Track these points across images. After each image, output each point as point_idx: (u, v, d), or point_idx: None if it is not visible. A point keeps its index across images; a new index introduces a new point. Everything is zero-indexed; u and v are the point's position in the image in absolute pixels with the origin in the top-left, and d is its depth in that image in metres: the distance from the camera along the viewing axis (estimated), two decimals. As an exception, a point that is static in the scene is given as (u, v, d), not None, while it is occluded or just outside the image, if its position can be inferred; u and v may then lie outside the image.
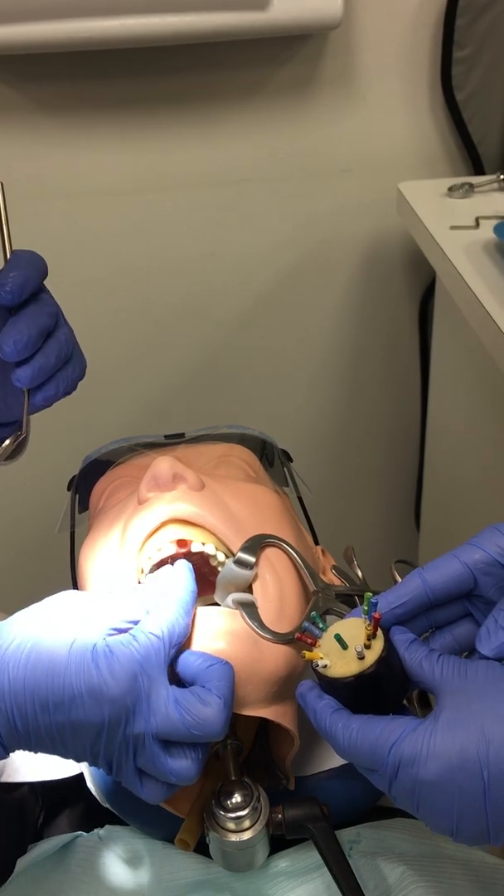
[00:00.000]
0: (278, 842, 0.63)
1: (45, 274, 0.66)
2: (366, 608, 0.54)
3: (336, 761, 0.73)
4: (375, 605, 0.54)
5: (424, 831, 0.69)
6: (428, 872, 0.62)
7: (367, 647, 0.53)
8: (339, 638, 0.54)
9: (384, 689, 0.54)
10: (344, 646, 0.54)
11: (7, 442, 0.69)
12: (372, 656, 0.53)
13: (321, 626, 0.56)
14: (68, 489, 0.87)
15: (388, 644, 0.54)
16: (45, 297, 0.66)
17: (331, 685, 0.54)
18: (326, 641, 0.55)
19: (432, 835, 0.69)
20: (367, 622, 0.54)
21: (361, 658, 0.53)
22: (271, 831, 0.61)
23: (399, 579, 0.74)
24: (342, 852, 0.61)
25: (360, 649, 0.53)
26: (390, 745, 0.50)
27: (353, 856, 0.64)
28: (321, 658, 0.54)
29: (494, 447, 1.18)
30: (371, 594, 0.55)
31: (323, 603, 0.65)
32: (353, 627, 0.55)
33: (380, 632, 0.54)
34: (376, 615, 0.54)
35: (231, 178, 1.33)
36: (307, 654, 0.55)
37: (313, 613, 0.57)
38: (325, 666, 0.54)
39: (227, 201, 1.35)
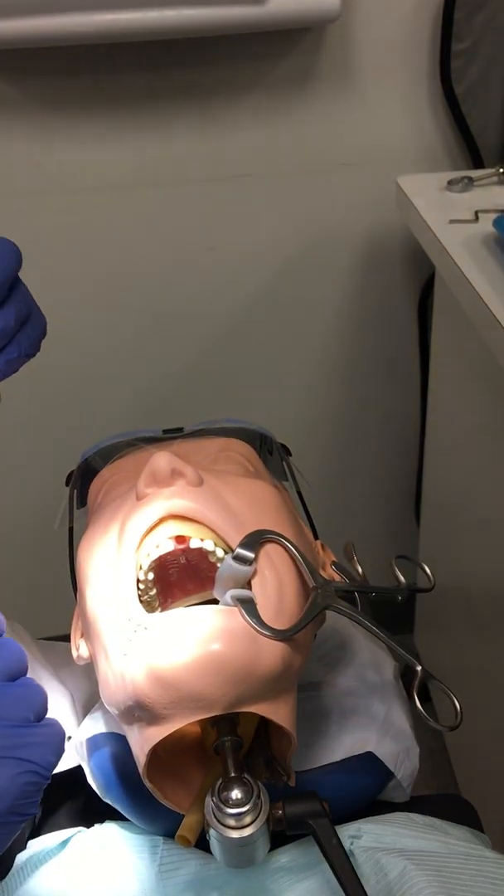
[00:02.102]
0: (278, 837, 0.63)
1: None
2: None
3: (336, 755, 0.73)
4: None
5: (425, 826, 0.69)
6: (429, 867, 0.62)
7: None
8: None
9: None
10: None
11: None
12: None
13: None
14: (67, 484, 0.87)
15: None
16: None
17: None
18: None
19: (433, 830, 0.69)
20: None
21: None
22: (272, 827, 0.61)
23: (400, 576, 0.74)
24: (343, 848, 0.61)
25: None
26: None
27: (354, 851, 0.64)
28: None
29: (494, 442, 1.17)
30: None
31: (322, 599, 0.64)
32: None
33: None
34: None
35: (230, 172, 1.33)
36: None
37: None
38: None
39: (226, 196, 1.35)
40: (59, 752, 0.50)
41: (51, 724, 0.51)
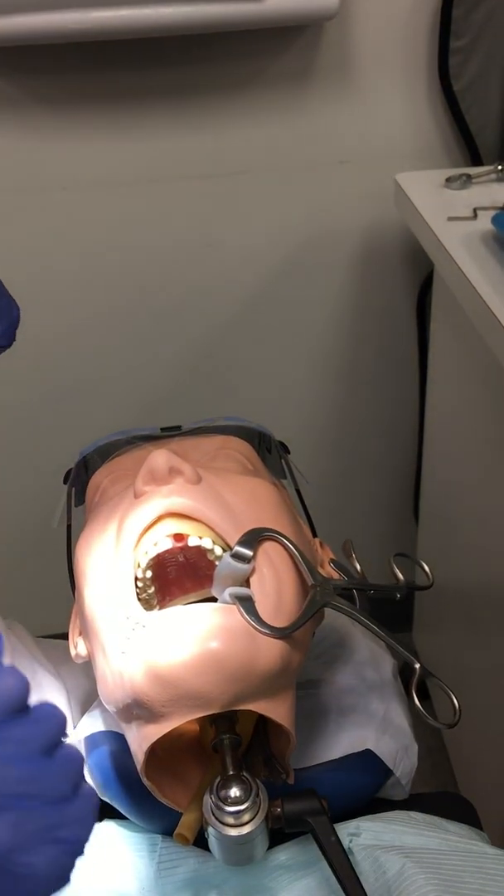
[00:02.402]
0: (277, 835, 0.63)
1: None
2: None
3: (335, 753, 0.73)
4: None
5: (425, 824, 0.69)
6: (428, 865, 0.62)
7: None
8: None
9: None
10: None
11: None
12: None
13: None
14: (65, 482, 0.87)
15: None
16: None
17: None
18: None
19: (433, 827, 0.69)
20: None
21: None
22: (270, 825, 0.61)
23: (399, 573, 0.74)
24: (341, 846, 0.61)
25: None
26: None
27: (353, 849, 0.64)
28: None
29: (493, 439, 1.17)
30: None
31: (321, 597, 0.64)
32: None
33: None
34: None
35: (227, 169, 1.33)
36: None
37: None
38: None
39: (224, 193, 1.34)
40: (93, 824, 0.47)
41: (87, 794, 0.48)
